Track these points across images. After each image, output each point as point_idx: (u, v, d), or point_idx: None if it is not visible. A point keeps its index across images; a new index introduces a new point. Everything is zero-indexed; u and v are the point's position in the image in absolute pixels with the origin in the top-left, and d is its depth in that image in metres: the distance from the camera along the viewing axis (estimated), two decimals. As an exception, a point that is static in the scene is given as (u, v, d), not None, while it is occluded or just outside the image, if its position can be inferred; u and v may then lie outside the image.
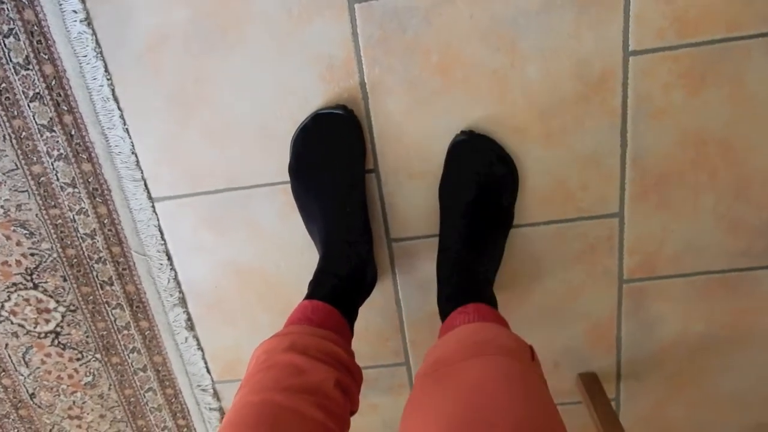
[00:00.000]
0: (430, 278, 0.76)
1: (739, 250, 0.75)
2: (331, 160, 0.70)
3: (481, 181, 0.71)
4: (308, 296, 0.66)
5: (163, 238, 0.78)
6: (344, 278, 0.68)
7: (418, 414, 0.50)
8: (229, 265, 0.80)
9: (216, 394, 0.90)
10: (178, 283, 0.81)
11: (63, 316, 0.83)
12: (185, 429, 0.94)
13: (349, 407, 0.59)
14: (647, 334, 0.82)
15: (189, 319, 0.84)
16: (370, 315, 0.82)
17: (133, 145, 0.73)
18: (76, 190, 0.74)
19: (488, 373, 0.49)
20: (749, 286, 0.77)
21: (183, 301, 0.83)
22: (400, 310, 0.82)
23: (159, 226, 0.77)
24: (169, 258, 0.80)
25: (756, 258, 0.75)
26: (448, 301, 0.66)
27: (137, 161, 0.73)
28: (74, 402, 0.91)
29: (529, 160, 0.71)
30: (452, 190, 0.72)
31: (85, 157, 0.72)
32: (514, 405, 0.45)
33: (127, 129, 0.72)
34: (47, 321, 0.84)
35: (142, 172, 0.74)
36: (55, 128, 0.71)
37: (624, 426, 0.86)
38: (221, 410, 0.92)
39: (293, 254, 0.78)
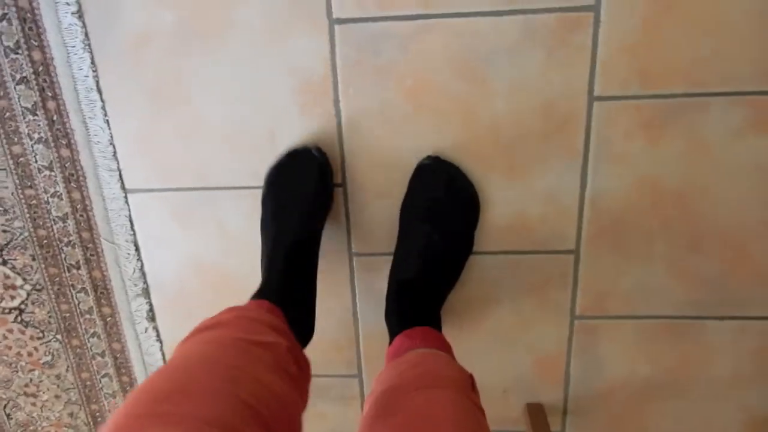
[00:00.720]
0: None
1: (689, 299, 0.77)
2: (292, 205, 0.72)
3: (440, 206, 0.73)
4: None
5: (132, 229, 0.80)
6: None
7: None
8: (194, 262, 0.82)
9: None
10: (143, 274, 0.83)
11: (28, 294, 0.85)
12: (137, 418, 0.95)
13: (301, 376, 0.57)
14: (595, 372, 0.83)
15: (151, 310, 0.86)
16: (326, 324, 0.84)
17: (111, 136, 0.75)
18: (53, 173, 0.77)
19: (431, 409, 0.50)
20: (696, 334, 0.79)
21: (146, 292, 0.85)
22: (357, 322, 0.84)
23: (130, 216, 0.79)
24: (137, 248, 0.82)
25: (704, 308, 0.77)
26: (393, 321, 0.68)
27: (114, 152, 0.76)
28: (31, 380, 0.93)
29: (491, 189, 0.73)
30: (412, 211, 0.74)
31: (65, 142, 0.75)
32: None
33: (107, 120, 0.74)
34: (12, 297, 0.86)
35: (118, 163, 0.76)
36: (38, 112, 0.73)
37: (566, 460, 0.87)
38: (174, 403, 0.93)
39: (257, 257, 0.80)
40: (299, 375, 0.57)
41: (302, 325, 0.69)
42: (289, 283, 0.69)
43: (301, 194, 0.72)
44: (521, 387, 0.86)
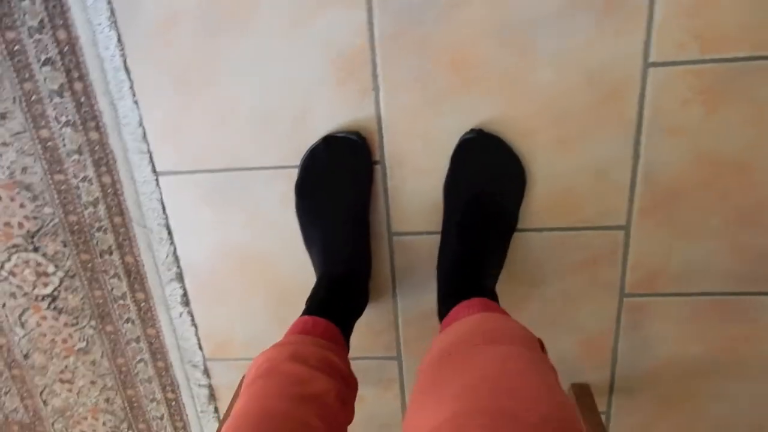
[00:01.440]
0: (428, 276, 0.76)
1: (743, 275, 0.73)
2: (336, 188, 0.71)
3: (486, 181, 0.70)
4: (306, 312, 0.67)
5: (164, 213, 0.78)
6: (340, 300, 0.69)
7: (429, 396, 0.46)
8: (227, 246, 0.80)
9: (206, 371, 0.91)
10: (177, 258, 0.81)
11: (61, 281, 0.84)
12: (174, 402, 0.94)
13: (347, 418, 0.59)
14: (643, 351, 0.80)
15: (185, 294, 0.84)
16: (364, 307, 0.82)
17: (141, 118, 0.72)
18: (82, 157, 0.74)
19: (505, 360, 0.46)
20: (750, 312, 0.76)
21: (180, 277, 0.83)
22: (396, 304, 0.82)
23: (161, 200, 0.77)
24: (170, 232, 0.80)
25: (759, 283, 0.74)
26: (449, 297, 0.65)
27: (144, 134, 0.73)
28: (66, 366, 0.92)
29: (537, 164, 0.70)
30: (457, 187, 0.71)
31: (93, 125, 0.72)
32: (538, 396, 0.42)
33: (136, 101, 0.71)
34: (45, 285, 0.85)
35: (148, 145, 0.74)
36: (65, 94, 0.71)
37: (611, 441, 0.85)
38: (210, 387, 0.92)
39: (291, 241, 0.78)
40: (346, 407, 0.58)
41: (357, 307, 0.73)
42: (341, 291, 0.70)
43: (345, 188, 0.71)
44: (566, 368, 0.83)
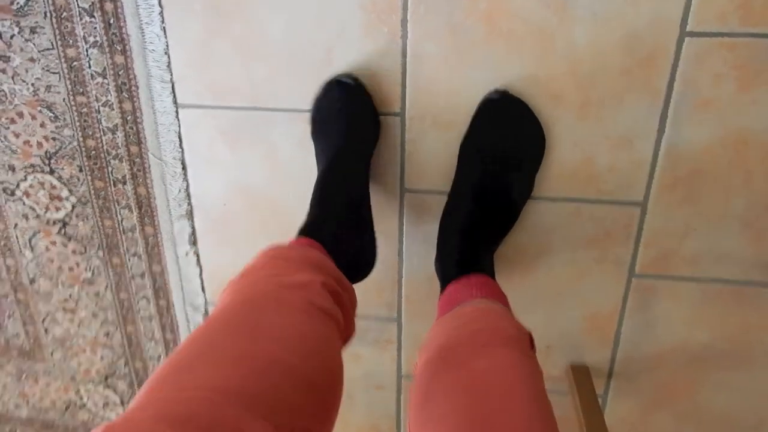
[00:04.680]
0: (435, 233, 0.75)
1: (759, 262, 0.72)
2: (330, 135, 0.70)
3: (504, 146, 0.69)
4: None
5: (181, 146, 0.78)
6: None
7: (428, 411, 0.49)
8: (241, 186, 0.80)
9: (206, 315, 0.91)
10: (188, 195, 0.82)
11: (73, 207, 0.85)
12: (172, 344, 0.95)
13: (340, 313, 0.55)
14: (648, 334, 0.79)
15: (193, 233, 0.84)
16: (370, 262, 0.81)
17: (167, 45, 0.72)
18: (106, 81, 0.75)
19: (496, 371, 0.49)
20: (762, 302, 0.74)
21: (190, 214, 0.83)
22: (401, 263, 0.81)
23: (179, 132, 0.77)
24: (184, 167, 0.80)
25: (777, 275, 0.72)
26: (446, 266, 0.65)
27: (169, 62, 0.73)
28: (71, 295, 0.93)
29: (559, 129, 0.69)
30: (473, 149, 0.70)
31: (120, 48, 0.72)
32: (520, 408, 0.45)
33: (164, 27, 0.71)
34: (57, 209, 0.85)
35: (171, 75, 0.74)
36: (95, 14, 0.71)
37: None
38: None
39: (306, 186, 0.78)
40: (336, 307, 0.55)
41: (352, 255, 0.67)
42: (329, 216, 0.67)
43: (336, 127, 0.69)
44: (566, 344, 0.82)
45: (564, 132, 0.69)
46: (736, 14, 0.60)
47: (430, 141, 0.73)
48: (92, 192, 0.83)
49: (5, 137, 0.80)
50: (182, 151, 0.79)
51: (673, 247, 0.73)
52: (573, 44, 0.64)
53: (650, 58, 0.64)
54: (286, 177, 0.78)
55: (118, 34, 0.72)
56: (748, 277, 0.73)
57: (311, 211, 0.68)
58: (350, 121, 0.69)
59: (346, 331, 0.58)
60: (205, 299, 0.90)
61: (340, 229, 0.67)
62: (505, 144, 0.69)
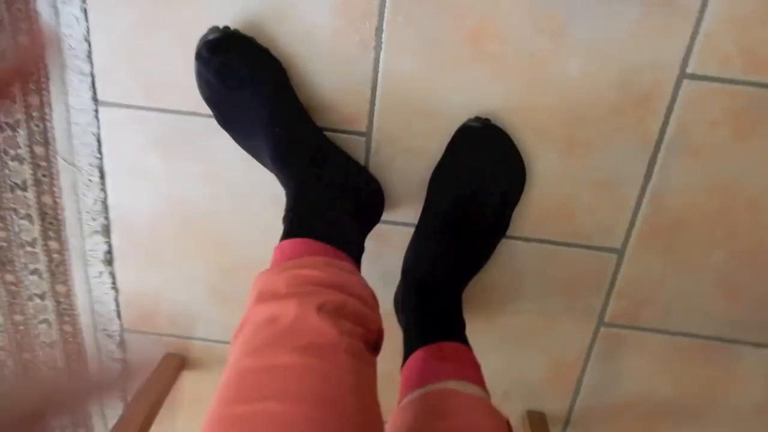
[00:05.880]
0: (395, 271, 0.67)
1: (731, 319, 0.69)
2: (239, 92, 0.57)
3: (481, 178, 0.61)
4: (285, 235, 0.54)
5: (99, 151, 0.65)
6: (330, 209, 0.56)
7: None
8: (173, 201, 0.68)
9: (122, 344, 0.78)
10: (106, 208, 0.69)
11: (-43, 213, 0.69)
12: (77, 374, 0.81)
13: (366, 331, 0.46)
14: (610, 385, 0.75)
15: (109, 251, 0.72)
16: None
17: (88, 31, 0.59)
18: (6, 66, 0.60)
19: None
20: (729, 359, 0.71)
21: (106, 230, 0.70)
22: (354, 298, 0.72)
23: (98, 135, 0.65)
24: (102, 176, 0.67)
25: (744, 331, 0.69)
26: (411, 321, 0.59)
27: (89, 51, 0.60)
28: (-50, 315, 0.77)
29: (541, 166, 0.62)
30: (446, 179, 0.63)
31: (25, 27, 0.59)
32: None
33: (85, 9, 0.58)
34: (-64, 214, 0.70)
35: (92, 66, 0.61)
36: (-6, -18, 0.57)
37: (558, 475, 0.79)
38: (125, 363, 0.79)
39: (252, 206, 0.67)
40: (361, 328, 0.46)
41: (357, 213, 0.60)
42: (308, 194, 0.57)
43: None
44: (524, 391, 0.77)
45: (546, 169, 0.62)
46: (739, 60, 0.56)
47: (398, 167, 0.64)
48: (-17, 197, 0.68)
49: None
50: (101, 157, 0.66)
51: (645, 297, 0.69)
52: (565, 75, 0.58)
53: (645, 98, 0.58)
54: (229, 194, 0.67)
55: (24, 9, 0.58)
56: (718, 333, 0.70)
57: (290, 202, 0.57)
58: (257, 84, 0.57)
59: (377, 336, 0.49)
60: (121, 326, 0.77)
61: (329, 202, 0.57)
62: (481, 177, 0.62)
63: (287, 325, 0.42)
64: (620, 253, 0.66)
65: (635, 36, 0.56)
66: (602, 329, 0.71)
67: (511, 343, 0.73)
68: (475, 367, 0.55)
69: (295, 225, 0.53)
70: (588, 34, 0.56)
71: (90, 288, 0.74)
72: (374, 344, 0.48)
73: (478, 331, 0.72)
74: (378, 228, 0.66)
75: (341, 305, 0.44)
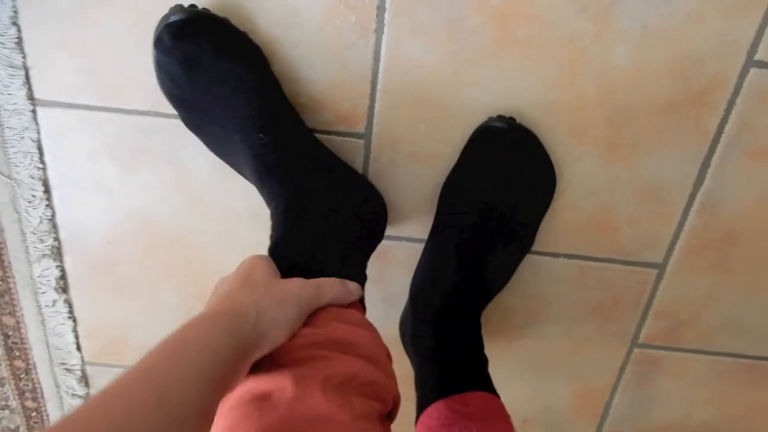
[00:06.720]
0: (400, 293, 0.58)
1: (782, 340, 0.61)
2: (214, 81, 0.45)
3: (503, 188, 0.51)
4: None
5: (42, 160, 0.54)
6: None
7: None
8: (135, 218, 0.57)
9: (84, 378, 0.68)
10: (55, 227, 0.57)
11: None
12: (34, 413, 0.71)
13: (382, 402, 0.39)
14: (641, 412, 0.67)
15: (63, 277, 0.61)
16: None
17: (16, 12, 0.47)
18: None
19: None
20: (775, 381, 0.64)
21: (58, 253, 0.59)
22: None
23: (39, 141, 0.53)
24: (47, 190, 0.55)
25: (797, 351, 0.62)
26: (431, 377, 0.49)
27: (19, 38, 0.48)
28: None
29: (575, 172, 0.53)
30: (462, 189, 0.53)
31: (-66, 10, 0.46)
32: None
33: (11, -15, 0.46)
34: None
35: (24, 57, 0.49)
36: None
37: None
38: (87, 399, 0.69)
39: (228, 222, 0.57)
40: (377, 402, 0.39)
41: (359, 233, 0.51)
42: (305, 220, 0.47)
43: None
44: (546, 420, 0.68)
45: (581, 176, 0.53)
46: (817, 44, 0.46)
47: (402, 174, 0.54)
48: None
49: None
50: (44, 167, 0.54)
51: (688, 318, 0.60)
52: (610, 65, 0.48)
53: (704, 90, 0.48)
54: (200, 209, 0.56)
55: (-69, -13, 0.46)
56: (762, 353, 0.62)
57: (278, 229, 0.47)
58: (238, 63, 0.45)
59: (392, 406, 0.41)
60: (82, 359, 0.67)
61: (325, 229, 0.47)
62: (504, 186, 0.52)
63: (284, 409, 0.32)
64: (661, 268, 0.57)
65: (700, 18, 0.46)
66: (636, 350, 0.63)
67: (534, 370, 0.64)
68: (505, 421, 0.46)
69: (285, 262, 0.43)
70: (639, 14, 0.46)
71: (43, 319, 0.63)
72: (389, 415, 0.39)
73: (497, 355, 0.62)
74: (381, 244, 0.56)
75: (350, 376, 0.35)
